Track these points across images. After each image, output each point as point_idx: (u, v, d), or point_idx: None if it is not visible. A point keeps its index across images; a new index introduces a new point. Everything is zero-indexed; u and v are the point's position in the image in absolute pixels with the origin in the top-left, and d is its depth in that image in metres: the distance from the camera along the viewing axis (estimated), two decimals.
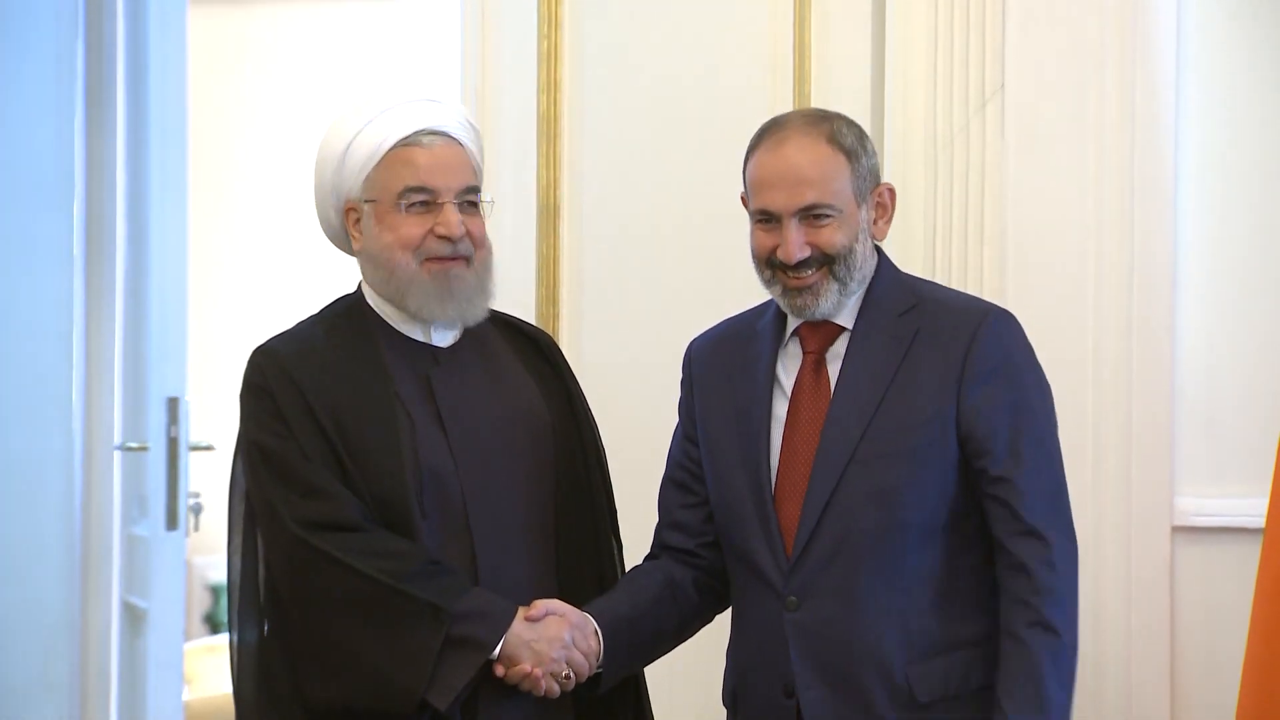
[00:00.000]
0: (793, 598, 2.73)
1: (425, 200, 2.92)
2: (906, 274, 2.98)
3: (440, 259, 2.90)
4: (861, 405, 2.79)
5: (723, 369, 3.02)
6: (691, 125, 4.20)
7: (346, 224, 2.94)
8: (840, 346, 2.84)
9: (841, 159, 2.81)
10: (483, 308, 3.01)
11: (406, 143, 2.93)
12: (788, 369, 2.88)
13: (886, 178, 3.17)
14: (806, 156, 2.82)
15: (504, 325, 3.19)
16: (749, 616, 2.86)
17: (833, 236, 2.78)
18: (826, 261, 2.77)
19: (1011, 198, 3.90)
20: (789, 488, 2.83)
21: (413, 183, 2.90)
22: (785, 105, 4.05)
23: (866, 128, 3.13)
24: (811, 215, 2.77)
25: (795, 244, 2.78)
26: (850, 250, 2.79)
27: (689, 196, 4.15)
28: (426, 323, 2.94)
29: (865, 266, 2.84)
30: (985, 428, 2.74)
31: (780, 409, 2.87)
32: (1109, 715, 3.93)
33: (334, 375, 3.01)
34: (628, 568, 3.10)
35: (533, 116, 4.23)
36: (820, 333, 2.85)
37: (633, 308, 4.30)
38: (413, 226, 2.91)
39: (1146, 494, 3.83)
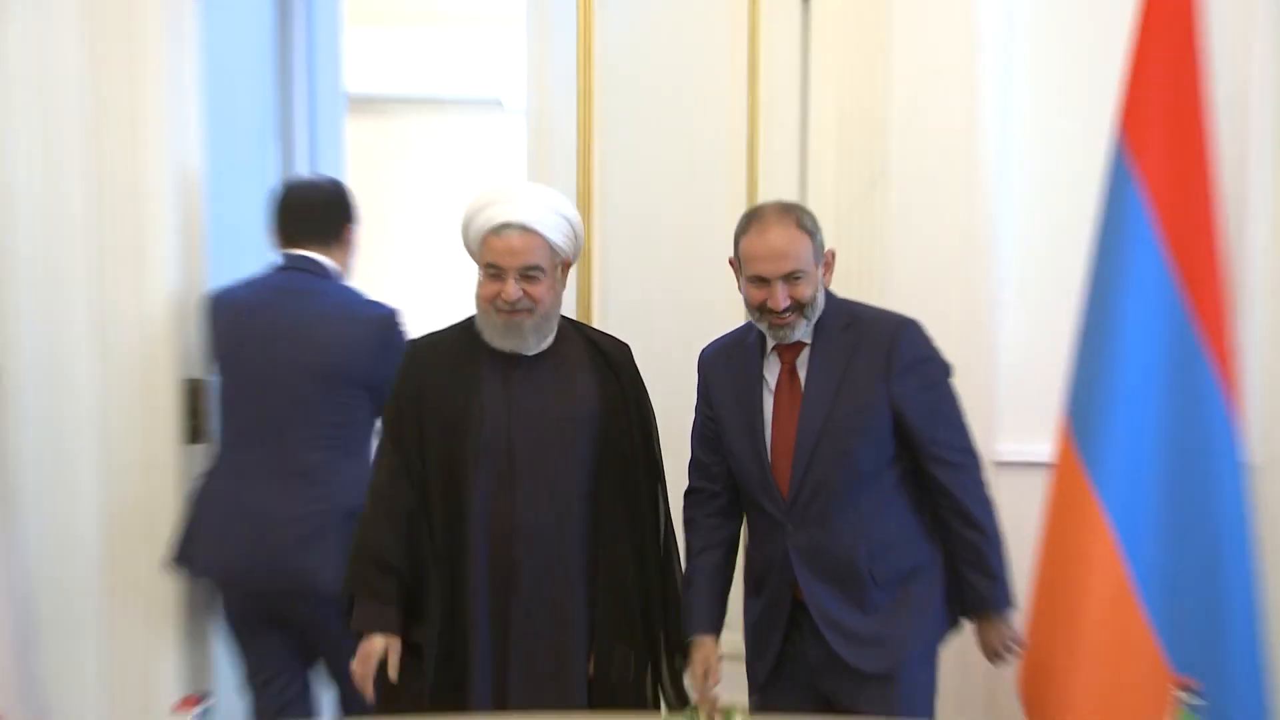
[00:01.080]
0: (790, 527, 3.74)
1: (496, 274, 3.78)
2: (838, 297, 3.94)
3: (503, 312, 3.80)
4: (824, 398, 3.80)
5: (726, 371, 3.97)
6: (681, 215, 5.16)
7: None
8: (804, 356, 3.85)
9: (805, 238, 3.74)
10: (540, 341, 3.90)
11: (493, 231, 3.78)
12: (771, 373, 3.87)
13: None
14: (784, 239, 3.72)
15: (585, 339, 4.05)
16: (763, 539, 3.87)
17: (804, 291, 3.74)
18: (799, 307, 3.73)
19: (894, 252, 4.74)
20: (780, 456, 3.82)
21: (489, 260, 3.79)
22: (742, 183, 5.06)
23: (797, 197, 4.32)
24: (791, 277, 3.70)
25: (781, 299, 3.73)
26: (814, 298, 3.78)
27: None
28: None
29: (819, 304, 3.80)
30: (910, 406, 3.77)
31: (768, 403, 3.84)
32: None
33: (443, 368, 3.93)
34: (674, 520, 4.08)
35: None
36: (792, 348, 3.83)
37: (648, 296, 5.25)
38: (488, 288, 3.80)
39: (977, 438, 4.25)
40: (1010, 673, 4.51)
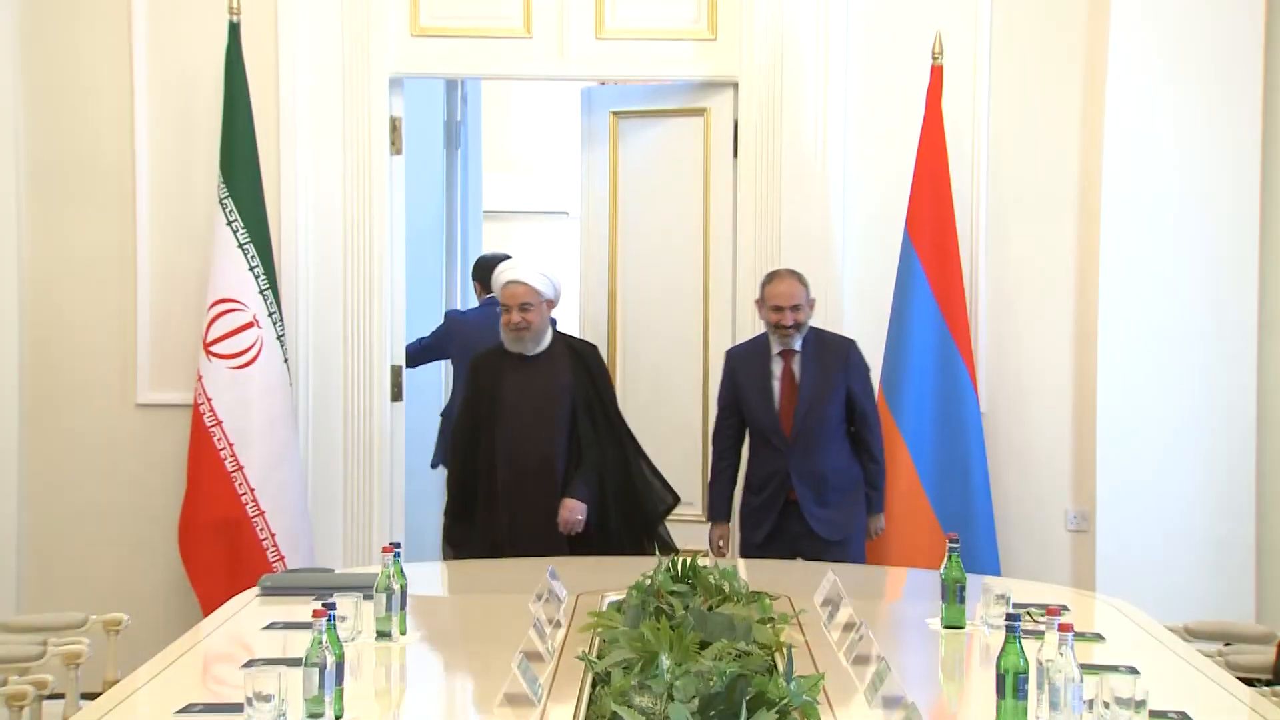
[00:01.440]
0: (789, 456, 5.61)
1: (507, 307, 5.58)
2: (813, 327, 5.66)
3: (510, 330, 5.60)
4: (811, 382, 5.62)
5: (747, 363, 5.77)
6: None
7: None
8: (797, 360, 5.62)
9: (803, 289, 5.59)
10: (535, 346, 5.65)
11: (504, 283, 5.60)
12: (776, 366, 5.66)
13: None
14: (793, 288, 5.59)
15: (566, 344, 5.78)
16: (765, 462, 5.65)
17: (801, 317, 5.59)
18: (799, 325, 5.59)
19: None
20: (784, 415, 5.66)
21: (501, 299, 5.63)
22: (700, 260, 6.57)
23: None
24: (793, 308, 5.56)
25: (789, 320, 5.57)
26: (806, 322, 5.60)
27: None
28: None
29: (806, 327, 5.60)
30: (857, 396, 5.68)
31: (775, 384, 5.67)
32: None
33: (486, 366, 5.75)
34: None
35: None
36: (787, 353, 5.63)
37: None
38: (505, 315, 5.62)
39: None
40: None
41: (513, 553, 5.48)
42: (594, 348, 5.94)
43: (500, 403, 5.66)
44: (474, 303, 7.61)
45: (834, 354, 5.74)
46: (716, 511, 5.90)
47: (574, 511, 5.54)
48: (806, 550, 5.60)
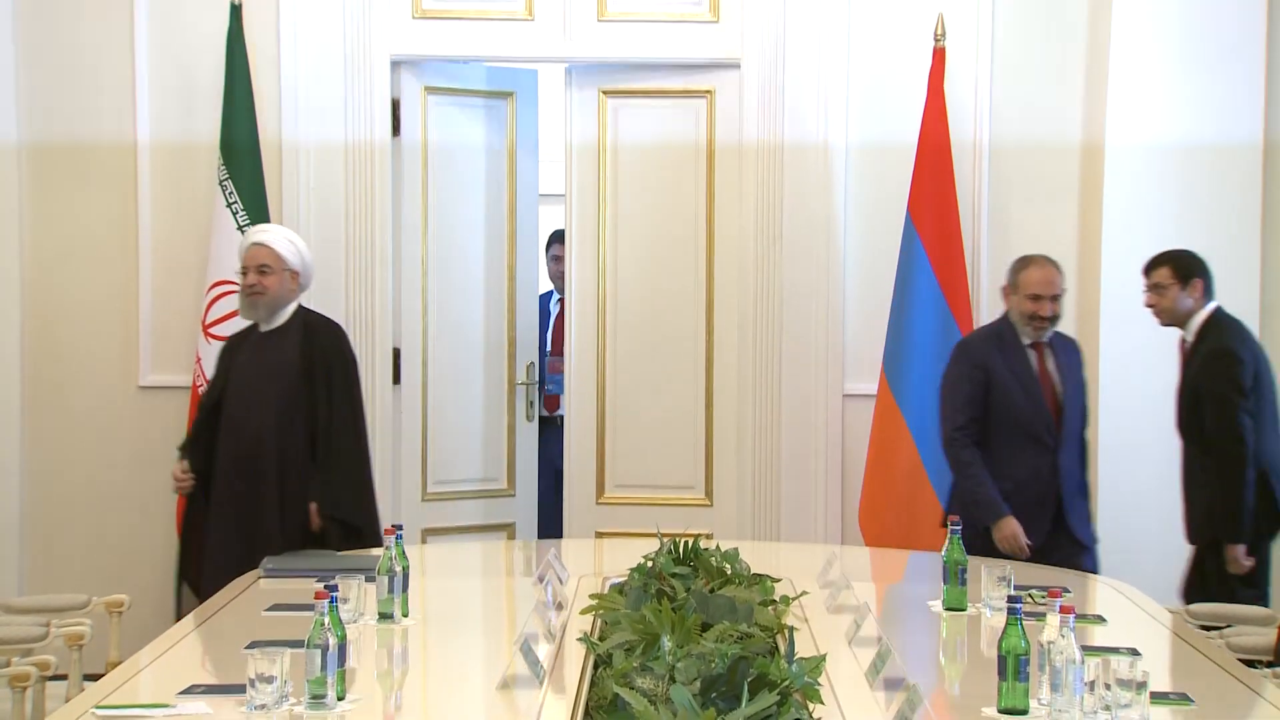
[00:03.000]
0: (1057, 449, 5.33)
1: (244, 270, 5.32)
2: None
3: (244, 292, 5.33)
4: (1069, 377, 5.49)
5: (998, 353, 5.40)
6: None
7: None
8: (1048, 352, 5.42)
9: (1062, 275, 5.41)
10: (272, 319, 5.35)
11: (247, 245, 5.37)
12: (1031, 357, 5.38)
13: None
14: (1053, 275, 5.39)
15: (304, 320, 5.44)
16: (1023, 459, 5.32)
17: (1060, 308, 5.39)
18: (1056, 317, 5.37)
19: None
20: (1055, 414, 5.39)
21: (241, 262, 5.37)
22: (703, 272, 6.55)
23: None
24: (1053, 298, 5.36)
25: (1048, 310, 5.35)
26: (1062, 313, 5.43)
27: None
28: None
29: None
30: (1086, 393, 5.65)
31: (1039, 382, 5.40)
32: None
33: (231, 342, 5.56)
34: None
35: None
36: (1041, 345, 5.38)
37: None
38: (241, 278, 5.35)
39: (830, 376, 6.31)
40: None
41: (220, 538, 5.28)
42: (336, 326, 5.60)
43: (230, 379, 5.42)
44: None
45: (1070, 348, 5.59)
46: (1000, 505, 5.37)
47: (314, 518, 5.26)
48: (1064, 554, 5.31)
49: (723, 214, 6.65)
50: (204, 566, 5.29)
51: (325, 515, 5.29)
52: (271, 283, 5.27)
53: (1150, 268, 5.53)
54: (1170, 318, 5.52)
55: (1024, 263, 5.39)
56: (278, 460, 5.28)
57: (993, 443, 5.33)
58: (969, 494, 5.38)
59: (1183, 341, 5.54)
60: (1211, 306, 5.52)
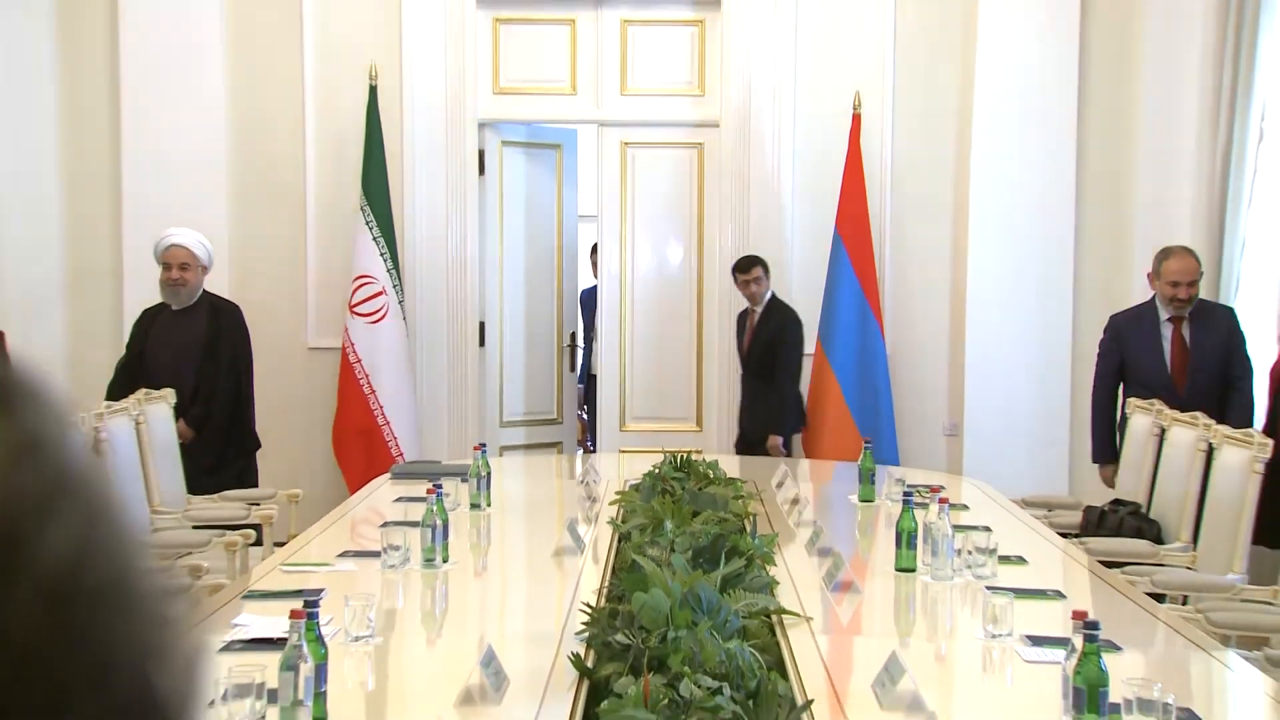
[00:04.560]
0: (1176, 404, 4.40)
1: (167, 265, 4.92)
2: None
3: (168, 284, 4.92)
4: (1204, 345, 4.65)
5: (1136, 326, 4.78)
6: None
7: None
8: (1184, 325, 4.64)
9: (1198, 264, 4.62)
10: (188, 302, 4.94)
11: (167, 246, 4.94)
12: (1166, 330, 4.66)
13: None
14: (1189, 264, 4.59)
15: (211, 303, 5.05)
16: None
17: (1195, 291, 4.58)
18: (1191, 299, 4.57)
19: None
20: (1176, 371, 4.66)
21: (163, 259, 4.96)
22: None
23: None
24: (1190, 284, 4.57)
25: (1184, 294, 4.55)
26: (1197, 295, 4.61)
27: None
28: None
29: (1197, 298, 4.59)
30: (1233, 355, 4.63)
31: (1166, 346, 4.67)
32: None
33: (143, 318, 5.06)
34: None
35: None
36: (1175, 319, 4.64)
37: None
38: (164, 273, 4.93)
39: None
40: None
41: None
42: (235, 307, 5.21)
43: (146, 348, 5.01)
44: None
45: (1211, 321, 4.73)
46: (1100, 454, 5.02)
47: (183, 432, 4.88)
48: None
49: (708, 230, 6.58)
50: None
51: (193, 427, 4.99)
52: (190, 276, 4.95)
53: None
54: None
55: (1165, 254, 4.69)
56: (189, 403, 4.94)
57: (1127, 393, 4.78)
58: (1094, 432, 5.04)
59: None
60: None
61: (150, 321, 5.03)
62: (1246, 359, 4.61)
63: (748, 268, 5.73)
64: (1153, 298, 4.86)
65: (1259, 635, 3.04)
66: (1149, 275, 4.81)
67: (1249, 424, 4.14)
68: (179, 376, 4.83)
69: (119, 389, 4.81)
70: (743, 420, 5.87)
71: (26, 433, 0.50)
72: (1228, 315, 4.77)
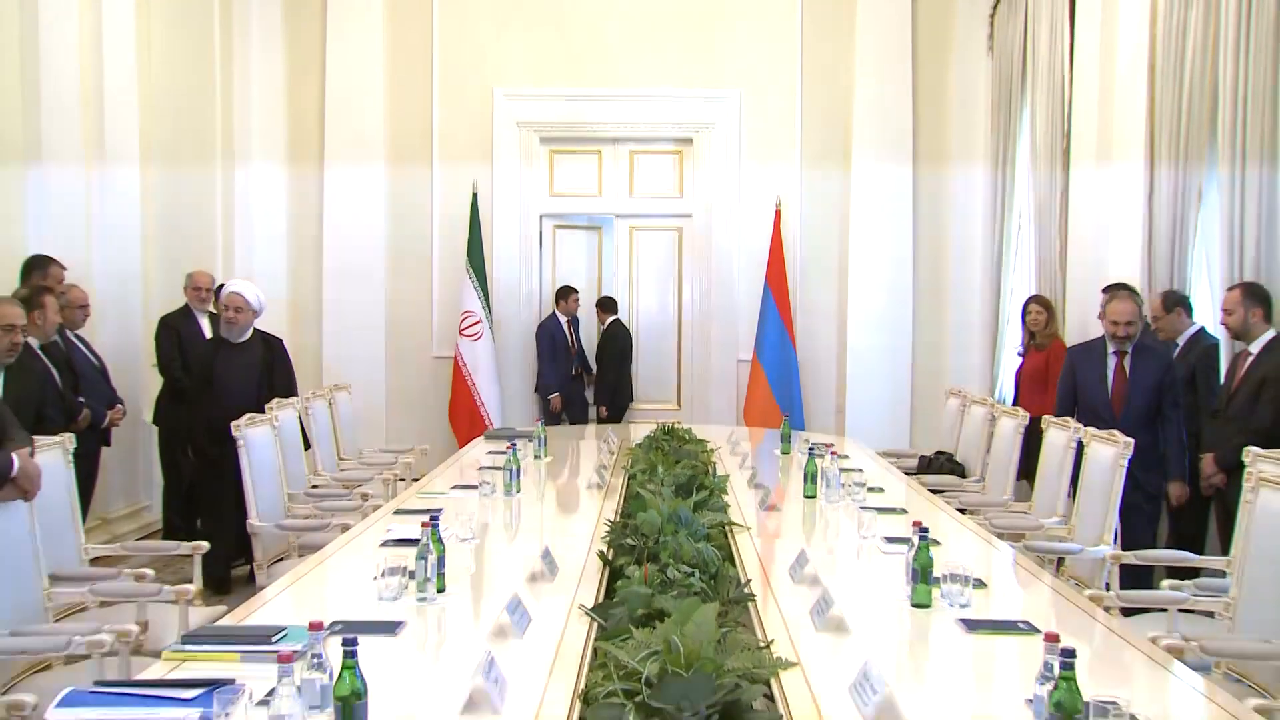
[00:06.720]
0: (1117, 430, 2.96)
1: (226, 306, 3.91)
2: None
3: (226, 323, 3.93)
4: (1141, 375, 3.32)
5: (1085, 357, 3.48)
6: None
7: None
8: (1126, 359, 3.35)
9: (1136, 307, 3.35)
10: (239, 337, 3.90)
11: (228, 292, 3.95)
12: (1109, 363, 3.41)
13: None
14: (1127, 306, 3.36)
15: (262, 337, 4.02)
16: (1090, 425, 3.07)
17: (1134, 330, 3.28)
18: (1129, 336, 3.29)
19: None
20: (1116, 397, 3.39)
21: (223, 301, 3.97)
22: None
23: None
24: (1127, 323, 3.30)
25: (1123, 332, 3.31)
26: (1135, 333, 3.31)
27: None
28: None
29: (1135, 335, 3.28)
30: (1165, 390, 3.30)
31: (1110, 373, 3.41)
32: None
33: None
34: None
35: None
36: (1119, 352, 3.32)
37: None
38: (224, 314, 3.94)
39: (731, 352, 6.01)
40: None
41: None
42: (279, 340, 4.23)
43: (217, 371, 3.98)
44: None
45: (1150, 356, 3.45)
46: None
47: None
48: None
49: (686, 282, 6.38)
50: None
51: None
52: (241, 317, 3.96)
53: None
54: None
55: (1110, 296, 3.56)
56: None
57: (1077, 416, 3.40)
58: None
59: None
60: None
61: (215, 349, 4.04)
62: (1178, 395, 3.37)
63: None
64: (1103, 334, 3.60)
65: (1018, 533, 3.04)
66: (1099, 314, 3.62)
67: (1177, 449, 3.29)
68: (245, 393, 3.89)
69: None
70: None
71: None
72: (1167, 352, 3.51)
